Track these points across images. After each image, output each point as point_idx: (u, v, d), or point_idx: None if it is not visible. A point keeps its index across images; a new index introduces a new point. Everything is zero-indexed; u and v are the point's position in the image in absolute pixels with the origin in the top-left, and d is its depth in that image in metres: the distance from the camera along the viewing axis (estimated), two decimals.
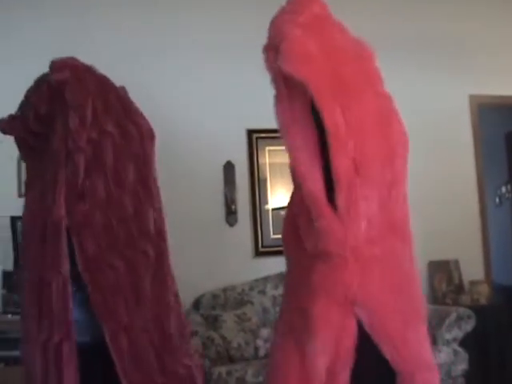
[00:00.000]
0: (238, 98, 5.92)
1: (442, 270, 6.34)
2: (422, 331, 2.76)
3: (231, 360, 5.06)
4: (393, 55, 5.76)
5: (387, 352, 2.62)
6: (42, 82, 3.15)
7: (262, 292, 5.62)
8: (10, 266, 5.18)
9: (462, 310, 5.41)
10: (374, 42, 2.78)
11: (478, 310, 5.49)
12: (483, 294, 6.16)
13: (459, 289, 6.35)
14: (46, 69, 3.11)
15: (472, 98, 6.64)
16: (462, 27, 6.58)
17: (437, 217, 6.26)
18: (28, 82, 3.22)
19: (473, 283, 6.26)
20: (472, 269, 6.44)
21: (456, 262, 6.39)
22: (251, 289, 5.65)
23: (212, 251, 5.77)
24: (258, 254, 5.97)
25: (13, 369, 4.85)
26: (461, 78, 6.58)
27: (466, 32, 6.59)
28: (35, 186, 3.16)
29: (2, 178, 5.44)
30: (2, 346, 4.92)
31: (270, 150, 6.04)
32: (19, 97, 3.24)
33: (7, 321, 4.98)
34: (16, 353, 4.89)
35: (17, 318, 4.93)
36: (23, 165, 4.93)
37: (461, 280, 6.38)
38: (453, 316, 5.29)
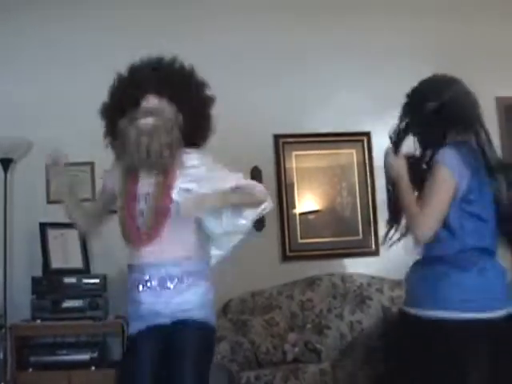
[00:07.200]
0: (263, 103, 5.89)
1: None
2: None
3: (259, 365, 5.04)
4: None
5: None
6: None
7: (290, 297, 5.59)
8: (38, 272, 5.22)
9: None
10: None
11: None
12: None
13: None
14: None
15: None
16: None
17: None
18: None
19: None
20: None
21: None
22: (279, 293, 5.63)
23: (240, 256, 5.72)
24: (286, 258, 5.94)
25: (41, 374, 4.88)
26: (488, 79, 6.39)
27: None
28: None
29: (31, 185, 5.48)
30: (31, 352, 4.96)
31: (296, 155, 5.99)
32: None
33: (36, 326, 5.01)
34: (45, 358, 4.94)
35: (45, 323, 5.00)
36: (50, 173, 4.99)
37: None
38: None
